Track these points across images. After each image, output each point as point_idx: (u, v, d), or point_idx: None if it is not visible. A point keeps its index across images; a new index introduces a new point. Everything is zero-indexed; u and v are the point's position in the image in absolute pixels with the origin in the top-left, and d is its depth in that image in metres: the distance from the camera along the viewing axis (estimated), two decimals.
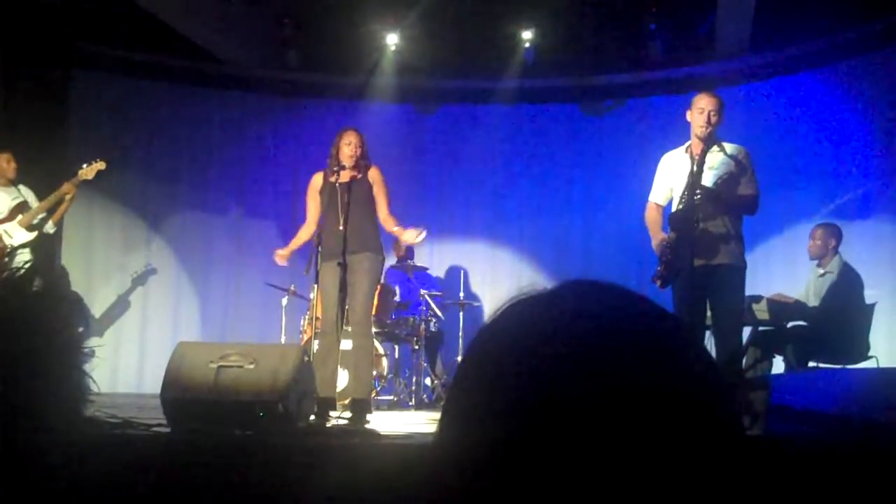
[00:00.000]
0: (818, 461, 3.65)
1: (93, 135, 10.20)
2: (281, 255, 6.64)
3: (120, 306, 10.32)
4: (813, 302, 7.32)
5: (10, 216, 8.05)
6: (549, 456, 0.65)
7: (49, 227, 8.33)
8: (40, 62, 9.38)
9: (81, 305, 9.25)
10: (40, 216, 8.14)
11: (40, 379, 0.90)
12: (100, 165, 8.29)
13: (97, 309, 10.17)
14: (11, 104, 8.85)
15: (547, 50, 10.06)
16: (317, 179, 6.43)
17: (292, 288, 8.76)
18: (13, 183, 8.20)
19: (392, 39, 10.14)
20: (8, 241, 7.97)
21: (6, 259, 7.85)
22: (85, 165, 8.26)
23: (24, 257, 7.97)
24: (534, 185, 10.96)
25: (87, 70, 10.25)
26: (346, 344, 6.51)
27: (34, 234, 8.11)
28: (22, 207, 8.12)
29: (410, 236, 6.39)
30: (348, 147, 6.22)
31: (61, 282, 8.60)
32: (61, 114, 9.91)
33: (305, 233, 6.54)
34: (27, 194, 8.24)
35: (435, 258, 10.59)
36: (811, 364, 6.98)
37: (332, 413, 5.93)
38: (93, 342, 9.96)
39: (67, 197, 8.16)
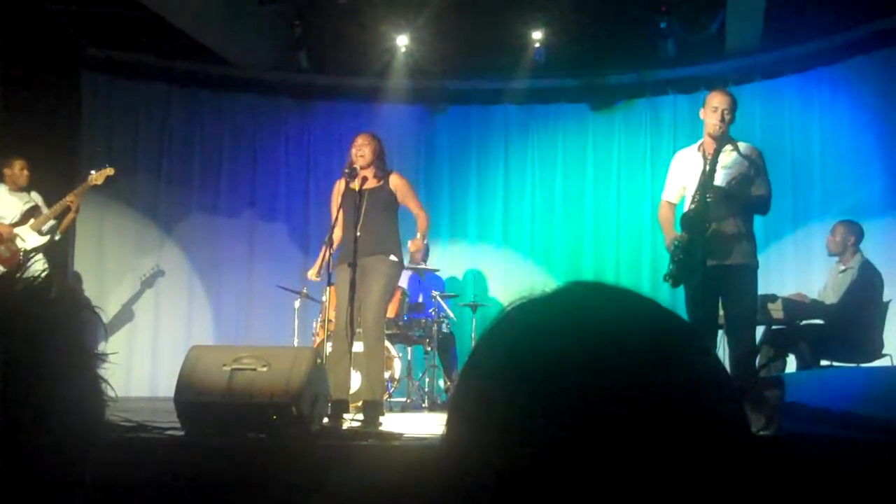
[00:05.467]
0: (831, 460, 3.64)
1: (104, 139, 10.25)
2: (315, 274, 6.65)
3: (133, 310, 10.34)
4: (832, 298, 7.29)
5: (22, 220, 8.13)
6: (550, 461, 0.65)
7: (56, 235, 8.34)
8: (51, 67, 9.42)
9: (97, 311, 9.33)
10: (51, 222, 8.20)
11: (60, 387, 0.90)
12: (109, 171, 8.32)
13: (110, 313, 10.19)
14: (23, 109, 8.89)
15: (557, 49, 10.04)
16: (339, 185, 6.46)
17: (304, 290, 8.76)
18: (25, 189, 8.27)
19: (402, 41, 10.13)
20: (21, 245, 8.04)
21: (22, 263, 7.95)
22: (94, 171, 8.30)
23: (38, 265, 8.00)
24: (545, 184, 10.95)
25: (98, 74, 10.30)
26: (360, 346, 6.50)
27: (46, 239, 8.18)
28: (33, 212, 8.19)
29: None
30: (357, 149, 6.30)
31: (76, 288, 8.61)
32: (72, 118, 9.94)
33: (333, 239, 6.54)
34: (37, 199, 8.30)
35: (447, 259, 10.57)
36: (824, 362, 6.96)
37: (345, 415, 5.94)
38: (107, 346, 9.99)
39: (73, 206, 8.14)
